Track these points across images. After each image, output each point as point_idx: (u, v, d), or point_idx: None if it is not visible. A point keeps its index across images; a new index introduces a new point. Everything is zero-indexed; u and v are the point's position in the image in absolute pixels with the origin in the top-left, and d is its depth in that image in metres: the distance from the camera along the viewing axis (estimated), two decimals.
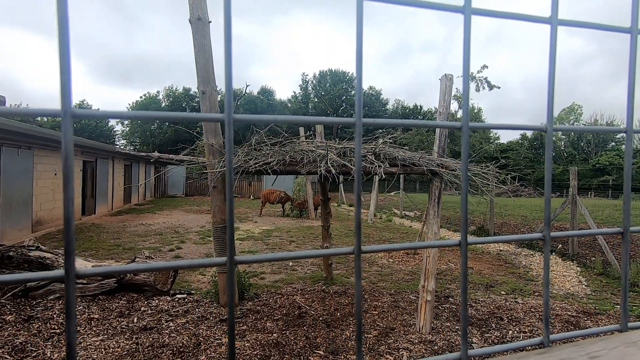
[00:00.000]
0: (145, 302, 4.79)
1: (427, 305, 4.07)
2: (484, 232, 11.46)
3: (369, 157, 4.03)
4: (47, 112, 0.28)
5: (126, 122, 44.30)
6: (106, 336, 3.79)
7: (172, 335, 3.85)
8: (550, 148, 0.42)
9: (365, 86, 49.70)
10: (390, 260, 7.77)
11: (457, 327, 4.30)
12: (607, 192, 35.22)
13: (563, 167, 38.87)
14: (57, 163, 10.76)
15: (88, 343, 3.63)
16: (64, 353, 3.41)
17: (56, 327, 3.95)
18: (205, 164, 4.79)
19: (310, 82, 49.52)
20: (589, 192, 35.94)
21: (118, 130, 45.33)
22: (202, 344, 3.66)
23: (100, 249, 8.05)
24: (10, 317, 4.14)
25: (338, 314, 4.55)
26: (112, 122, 44.77)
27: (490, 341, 3.96)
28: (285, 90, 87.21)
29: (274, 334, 3.92)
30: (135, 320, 4.22)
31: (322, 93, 47.23)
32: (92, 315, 4.29)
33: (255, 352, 3.52)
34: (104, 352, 3.45)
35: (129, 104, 47.15)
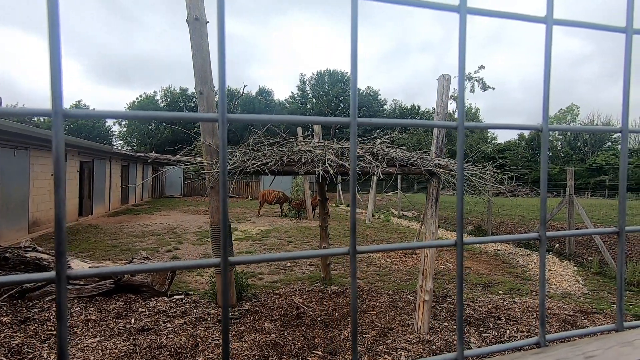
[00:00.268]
0: (143, 303, 4.77)
1: (425, 305, 4.08)
2: (481, 232, 11.49)
3: (366, 157, 4.04)
4: (38, 112, 0.28)
5: (123, 122, 44.15)
6: (103, 337, 3.77)
7: (170, 336, 3.83)
8: (546, 148, 0.42)
9: (362, 86, 49.71)
10: (388, 260, 7.78)
11: (455, 326, 4.31)
12: (604, 191, 35.42)
13: (560, 167, 39.05)
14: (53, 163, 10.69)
15: (85, 344, 3.61)
16: None
17: (53, 329, 3.93)
18: (203, 164, 4.78)
19: (308, 83, 49.51)
20: (586, 192, 36.12)
21: (115, 131, 45.16)
22: (200, 344, 3.65)
23: (97, 250, 8.02)
24: (6, 318, 4.11)
25: (336, 314, 4.55)
26: (109, 122, 44.60)
27: (487, 341, 3.97)
28: (283, 90, 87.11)
29: (272, 335, 3.91)
30: (132, 321, 4.20)
31: (320, 93, 47.24)
32: (89, 317, 4.26)
33: (253, 353, 3.51)
34: (101, 354, 3.43)
35: (127, 104, 46.99)
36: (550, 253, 8.82)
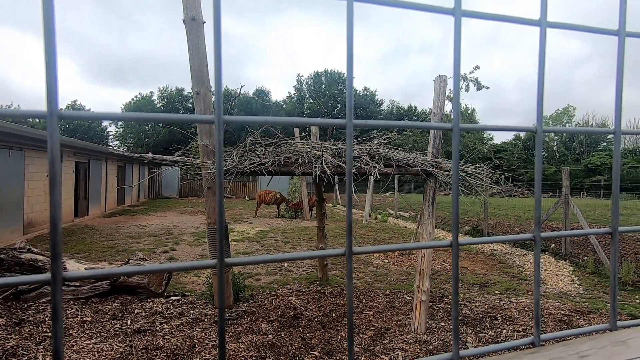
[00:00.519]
0: (139, 305, 4.75)
1: (422, 305, 4.09)
2: (478, 232, 11.54)
3: (363, 158, 4.04)
4: (34, 113, 0.28)
5: (120, 122, 43.92)
6: (99, 339, 3.75)
7: (167, 337, 3.82)
8: (540, 149, 0.42)
9: (360, 87, 49.79)
10: (385, 260, 7.79)
11: (451, 326, 4.32)
12: (599, 192, 35.67)
13: (556, 168, 39.29)
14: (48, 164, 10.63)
15: (81, 346, 3.59)
16: None
17: (48, 331, 3.90)
18: (200, 165, 4.76)
19: (305, 83, 49.52)
20: (581, 192, 36.36)
21: (111, 131, 44.92)
22: (196, 346, 3.64)
23: (93, 251, 7.97)
24: (0, 320, 4.08)
25: (333, 315, 4.55)
26: (105, 122, 44.35)
27: (484, 340, 3.99)
28: (281, 91, 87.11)
29: (269, 335, 3.91)
30: (128, 322, 4.18)
31: (317, 94, 47.25)
32: (84, 318, 4.24)
33: (250, 354, 3.50)
34: (97, 356, 3.41)
35: (122, 105, 46.74)
36: (547, 253, 8.87)
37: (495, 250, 9.27)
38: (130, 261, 5.29)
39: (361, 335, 3.97)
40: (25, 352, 3.42)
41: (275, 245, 9.23)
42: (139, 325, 4.09)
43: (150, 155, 5.42)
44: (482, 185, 4.38)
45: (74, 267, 5.10)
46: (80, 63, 77.28)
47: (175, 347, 3.59)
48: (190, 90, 4.96)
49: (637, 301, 5.54)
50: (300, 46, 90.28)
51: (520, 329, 4.30)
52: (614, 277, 0.47)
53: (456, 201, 0.39)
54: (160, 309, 4.61)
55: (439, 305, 5.02)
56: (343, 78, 47.47)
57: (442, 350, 3.74)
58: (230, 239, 8.89)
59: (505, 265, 7.77)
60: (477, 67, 22.65)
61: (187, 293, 5.31)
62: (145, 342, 3.68)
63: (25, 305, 4.52)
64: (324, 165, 3.82)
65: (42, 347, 3.55)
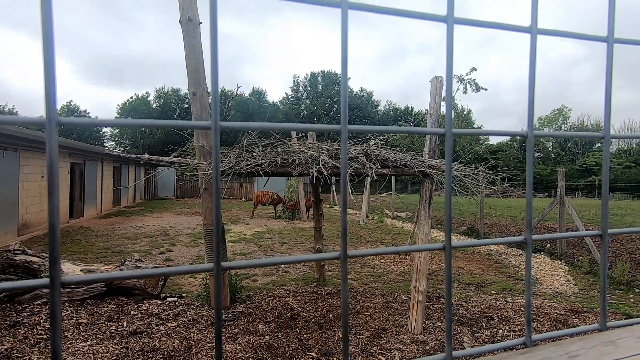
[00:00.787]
0: (135, 306, 4.73)
1: (418, 306, 4.10)
2: (474, 232, 11.60)
3: (360, 159, 4.05)
4: (32, 120, 0.28)
5: (110, 119, 43.64)
6: (95, 341, 3.73)
7: (163, 339, 3.80)
8: (531, 153, 0.43)
9: (356, 87, 49.88)
10: (382, 261, 7.81)
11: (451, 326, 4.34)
12: (594, 192, 35.95)
13: (551, 168, 39.56)
14: (44, 165, 10.56)
15: (76, 348, 3.56)
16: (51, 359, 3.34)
17: (43, 333, 3.87)
18: (196, 165, 4.75)
19: (302, 84, 49.54)
20: (576, 192, 36.63)
21: (107, 132, 44.64)
22: (193, 347, 3.63)
23: (88, 252, 7.92)
24: None
25: (330, 316, 4.55)
26: (97, 119, 44.03)
27: (480, 340, 4.01)
28: (279, 91, 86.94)
29: (266, 337, 3.90)
30: (124, 324, 4.16)
31: (314, 94, 47.26)
32: (80, 320, 4.21)
33: (247, 355, 3.50)
34: (92, 358, 3.39)
35: (118, 105, 46.46)
36: (542, 253, 8.93)
37: (491, 250, 9.32)
38: (127, 262, 5.27)
39: (358, 336, 3.98)
40: (19, 355, 3.39)
41: (272, 246, 9.22)
42: (135, 327, 4.07)
43: (146, 156, 5.41)
44: (479, 185, 4.41)
45: (69, 268, 5.07)
46: (75, 63, 76.76)
47: (171, 348, 3.58)
48: (187, 91, 4.94)
49: (632, 300, 5.59)
50: (298, 47, 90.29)
51: (516, 329, 4.33)
52: (603, 279, 0.47)
53: (449, 204, 0.40)
54: (156, 311, 4.59)
55: (435, 306, 5.04)
56: (339, 79, 47.53)
57: (438, 350, 3.76)
58: (227, 240, 8.88)
59: (502, 266, 7.81)
60: (474, 69, 22.77)
61: (183, 294, 5.29)
62: (141, 343, 3.67)
63: (20, 308, 4.49)
64: (321, 166, 3.82)
65: (36, 349, 3.52)
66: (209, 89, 4.96)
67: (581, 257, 8.12)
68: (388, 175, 4.19)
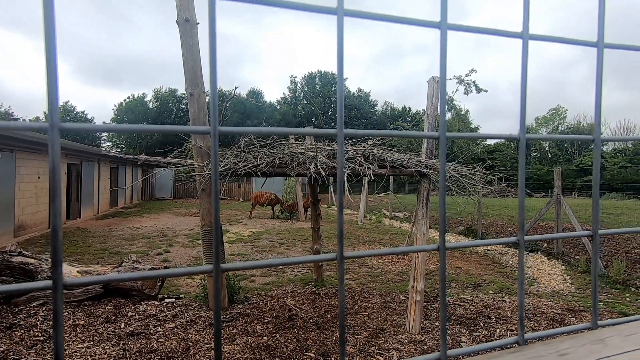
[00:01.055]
0: (133, 307, 4.71)
1: (416, 306, 4.12)
2: (472, 232, 11.64)
3: (358, 159, 4.07)
4: (34, 126, 0.29)
5: (113, 123, 43.46)
6: (92, 343, 3.71)
7: (161, 340, 3.79)
8: (523, 156, 0.44)
9: (354, 88, 49.96)
10: (380, 261, 7.82)
11: (446, 326, 4.36)
12: (590, 191, 36.06)
13: (548, 168, 39.74)
14: (40, 166, 10.51)
15: (73, 350, 3.55)
16: None
17: (40, 335, 3.86)
18: (194, 166, 4.75)
19: (299, 84, 49.58)
20: (573, 192, 36.80)
21: (104, 133, 44.43)
22: (191, 348, 3.62)
23: (85, 254, 7.89)
24: None
25: (329, 316, 4.56)
26: (98, 123, 43.87)
27: (478, 340, 4.03)
28: (277, 91, 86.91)
29: (264, 337, 3.90)
30: (122, 325, 4.15)
31: (311, 95, 47.27)
32: (77, 322, 4.20)
33: (245, 356, 3.50)
34: (89, 359, 3.38)
35: (114, 106, 46.28)
36: (539, 252, 8.98)
37: (488, 250, 9.36)
38: (124, 264, 5.25)
39: (356, 336, 3.99)
40: (16, 357, 3.38)
41: (270, 246, 9.21)
42: (132, 328, 4.06)
43: (143, 156, 5.40)
44: (476, 185, 4.43)
45: (66, 270, 5.05)
46: (72, 63, 76.28)
47: (169, 350, 3.57)
48: (184, 91, 4.94)
49: (628, 299, 5.64)
50: (296, 47, 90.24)
51: (514, 328, 4.35)
52: (594, 278, 0.48)
53: (443, 206, 0.41)
54: (154, 312, 4.58)
55: (433, 305, 5.05)
56: (336, 79, 47.51)
57: (437, 350, 3.77)
58: (224, 241, 8.86)
59: (499, 265, 7.85)
60: (473, 70, 22.84)
61: (181, 295, 5.28)
62: (139, 345, 3.66)
63: (17, 309, 4.47)
64: (319, 167, 3.83)
65: (33, 351, 3.51)
66: (207, 90, 4.96)
67: (578, 257, 8.17)
68: (386, 175, 4.21)
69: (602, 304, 5.38)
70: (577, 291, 6.03)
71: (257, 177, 4.21)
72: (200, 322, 4.29)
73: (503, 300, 5.34)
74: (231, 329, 4.13)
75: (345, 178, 3.61)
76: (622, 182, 35.66)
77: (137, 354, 3.49)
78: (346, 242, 9.92)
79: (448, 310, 4.87)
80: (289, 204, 15.20)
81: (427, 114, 4.67)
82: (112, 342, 3.72)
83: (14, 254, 4.98)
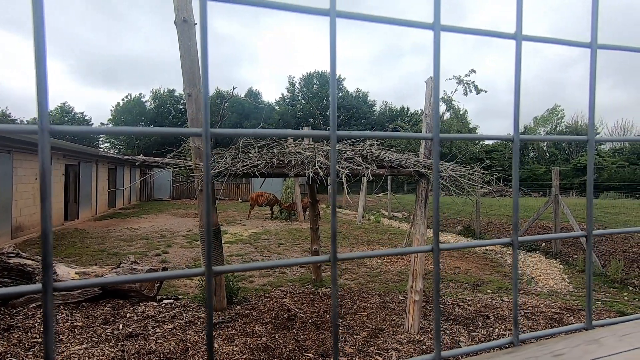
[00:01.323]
0: (131, 309, 4.70)
1: (415, 306, 4.12)
2: (470, 232, 11.66)
3: (356, 159, 4.07)
4: (24, 129, 0.29)
5: (111, 125, 43.37)
6: (90, 344, 3.70)
7: (159, 341, 3.79)
8: (517, 157, 0.44)
9: (352, 88, 49.99)
10: (379, 261, 7.83)
11: (444, 326, 4.36)
12: None
13: (546, 167, 39.83)
14: (37, 167, 10.47)
15: (71, 352, 3.54)
16: None
17: (37, 337, 3.84)
18: (192, 167, 4.74)
19: (297, 84, 49.60)
20: (571, 192, 36.90)
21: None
22: (189, 349, 3.62)
23: (84, 255, 7.87)
24: None
25: (327, 316, 4.56)
26: (96, 124, 43.80)
27: (477, 339, 4.03)
28: (275, 91, 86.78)
29: (263, 338, 3.90)
30: (120, 327, 4.14)
31: (309, 95, 47.28)
32: (75, 323, 4.19)
33: (244, 357, 3.49)
34: None
35: (112, 107, 46.15)
36: (538, 252, 9.00)
37: (487, 250, 9.38)
38: (122, 265, 5.24)
39: (355, 336, 3.99)
40: (14, 359, 3.36)
41: (268, 247, 9.21)
42: (131, 330, 4.05)
43: (141, 157, 5.38)
44: (474, 185, 4.44)
45: (64, 271, 5.04)
46: (70, 64, 76.08)
47: (168, 351, 3.56)
48: (182, 92, 4.93)
49: (626, 298, 5.65)
50: (295, 47, 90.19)
51: (512, 328, 4.36)
52: (589, 278, 0.49)
53: (437, 207, 0.41)
54: (152, 313, 4.57)
55: (432, 305, 5.06)
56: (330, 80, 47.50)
57: None
58: (223, 242, 8.84)
59: (497, 265, 7.86)
60: (473, 71, 22.85)
61: (179, 296, 5.27)
62: (137, 346, 3.65)
63: (14, 311, 4.45)
64: (317, 167, 3.83)
65: (31, 353, 3.49)
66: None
67: (576, 256, 8.19)
68: (384, 175, 4.21)
69: (600, 303, 5.39)
70: (575, 290, 6.04)
71: (256, 177, 4.21)
72: (199, 323, 4.28)
73: (502, 300, 5.35)
74: (230, 330, 4.12)
75: (344, 178, 3.61)
76: (619, 181, 35.80)
77: (136, 355, 3.48)
78: (345, 242, 9.92)
79: (447, 310, 4.87)
80: (288, 205, 15.20)
81: (425, 114, 4.68)
82: (111, 344, 3.71)
83: (12, 255, 4.96)
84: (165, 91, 45.11)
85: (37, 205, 10.62)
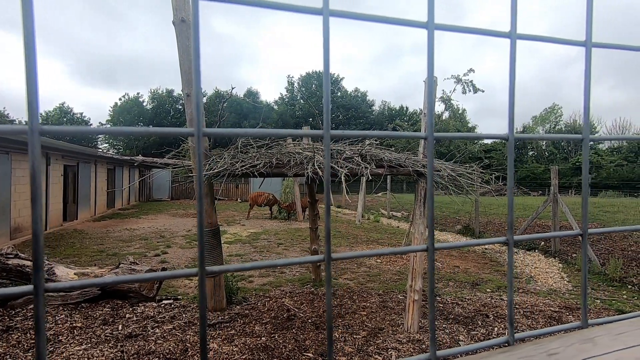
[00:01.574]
0: (130, 309, 4.70)
1: (414, 305, 4.12)
2: (469, 231, 11.67)
3: (355, 159, 4.06)
4: (14, 129, 0.28)
5: (109, 125, 43.32)
6: (89, 345, 3.70)
7: (159, 341, 3.78)
8: (512, 156, 0.44)
9: (351, 87, 50.00)
10: (378, 261, 7.83)
11: (444, 325, 4.37)
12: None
13: (545, 166, 39.90)
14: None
15: (70, 352, 3.54)
16: None
17: None
18: (191, 167, 4.74)
19: (296, 84, 49.62)
20: (570, 190, 36.97)
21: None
22: (189, 349, 3.61)
23: (83, 255, 7.85)
24: None
25: None
26: (95, 124, 43.75)
27: (476, 338, 4.04)
28: (274, 91, 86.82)
29: (262, 338, 3.90)
30: (120, 327, 4.13)
31: (308, 95, 47.29)
32: (74, 324, 4.18)
33: (243, 357, 3.49)
34: None
35: (110, 107, 46.12)
36: (537, 251, 9.02)
37: (486, 249, 9.39)
38: (121, 265, 5.23)
39: (355, 336, 3.99)
40: None
41: (268, 247, 9.20)
42: (130, 330, 4.04)
43: (140, 157, 5.38)
44: (473, 184, 4.44)
45: (63, 272, 5.03)
46: (68, 64, 76.02)
47: (167, 351, 3.56)
48: (181, 92, 4.93)
49: (625, 297, 5.67)
50: (294, 47, 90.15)
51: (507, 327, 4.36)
52: (584, 277, 0.49)
53: (431, 207, 0.41)
54: (152, 313, 4.57)
55: None
56: (333, 78, 47.65)
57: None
58: (222, 242, 8.84)
59: (497, 264, 7.87)
60: (471, 70, 22.89)
61: (179, 297, 5.27)
62: (137, 347, 3.65)
63: (13, 312, 4.44)
64: (316, 167, 3.83)
65: (30, 354, 3.49)
66: (204, 90, 4.95)
67: (575, 255, 8.21)
68: (383, 175, 4.21)
69: (598, 301, 5.40)
70: (574, 289, 6.05)
71: (255, 177, 4.20)
72: (199, 323, 4.28)
73: (501, 299, 5.36)
74: (229, 330, 4.12)
75: (343, 178, 3.61)
76: (618, 180, 35.89)
77: (135, 355, 3.48)
78: (344, 241, 9.92)
79: (446, 309, 4.87)
80: (287, 204, 15.20)
81: (424, 114, 4.68)
82: (110, 344, 3.71)
83: (10, 256, 4.95)
84: (164, 91, 45.08)
85: None
